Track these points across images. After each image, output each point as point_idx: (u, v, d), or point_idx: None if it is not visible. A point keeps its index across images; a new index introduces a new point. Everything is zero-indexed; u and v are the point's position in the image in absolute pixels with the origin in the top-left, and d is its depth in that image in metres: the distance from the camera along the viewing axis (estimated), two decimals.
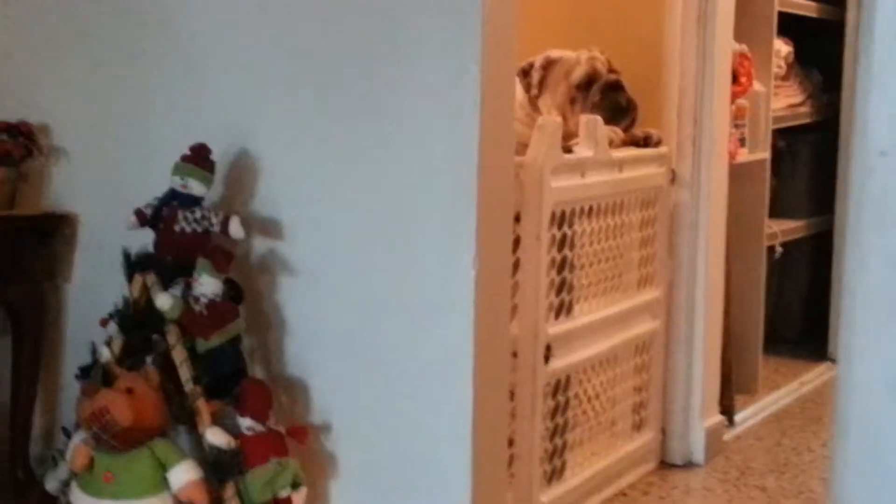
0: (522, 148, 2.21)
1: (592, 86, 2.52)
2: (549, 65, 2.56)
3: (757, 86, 3.17)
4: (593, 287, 2.45)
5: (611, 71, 2.56)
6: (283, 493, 1.89)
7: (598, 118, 2.45)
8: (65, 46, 2.23)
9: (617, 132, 2.52)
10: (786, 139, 3.64)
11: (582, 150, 2.39)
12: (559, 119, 2.37)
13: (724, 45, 2.75)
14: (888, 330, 1.06)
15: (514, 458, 2.19)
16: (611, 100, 2.53)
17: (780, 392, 3.36)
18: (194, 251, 1.91)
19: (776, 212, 3.49)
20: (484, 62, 1.85)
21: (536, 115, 2.51)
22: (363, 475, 2.01)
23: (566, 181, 2.30)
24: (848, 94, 3.59)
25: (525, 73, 2.56)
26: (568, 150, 2.36)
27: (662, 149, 2.66)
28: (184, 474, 1.85)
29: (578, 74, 2.52)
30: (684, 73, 2.68)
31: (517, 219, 2.15)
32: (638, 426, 2.66)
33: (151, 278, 1.90)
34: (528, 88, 2.55)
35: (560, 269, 2.32)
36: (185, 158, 1.93)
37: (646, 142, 2.62)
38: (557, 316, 2.32)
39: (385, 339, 1.97)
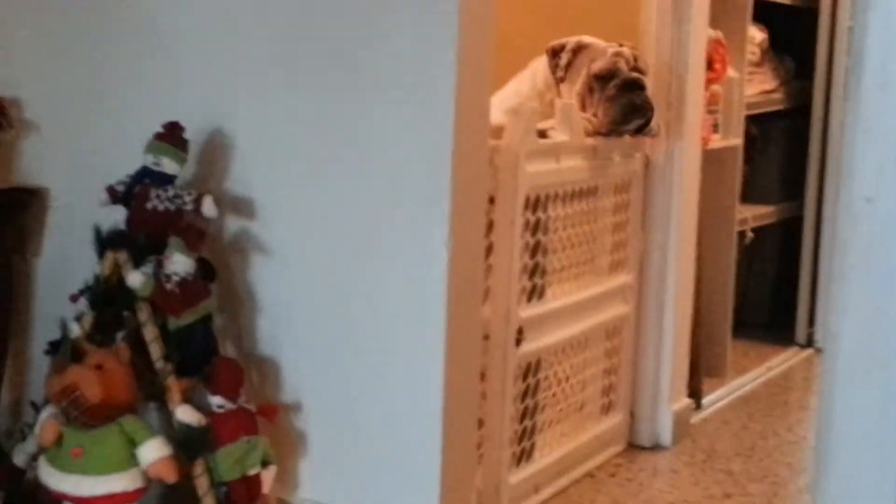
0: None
1: (611, 80, 2.51)
2: (578, 49, 2.54)
3: (731, 72, 3.18)
4: (566, 271, 2.46)
5: (634, 69, 2.54)
6: (253, 471, 1.90)
7: (573, 104, 2.45)
8: (38, 21, 2.20)
9: (591, 120, 2.51)
10: (758, 125, 3.66)
11: (557, 136, 2.40)
12: (537, 105, 2.36)
13: (700, 32, 2.76)
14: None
15: (484, 439, 2.20)
16: (626, 98, 2.50)
17: (747, 376, 3.39)
18: (166, 229, 1.90)
19: (747, 197, 3.52)
20: (460, 46, 1.85)
21: (558, 97, 2.51)
22: (333, 454, 2.02)
23: (541, 166, 2.31)
24: (820, 81, 3.61)
25: (555, 54, 2.55)
26: (543, 134, 2.36)
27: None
28: (153, 451, 1.85)
29: (598, 66, 2.51)
30: (660, 59, 2.68)
31: (491, 202, 2.16)
32: (607, 409, 2.68)
33: (123, 256, 1.89)
34: (554, 69, 2.54)
35: (533, 253, 2.33)
36: (158, 136, 1.92)
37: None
38: (529, 299, 2.33)
39: (357, 319, 1.97)
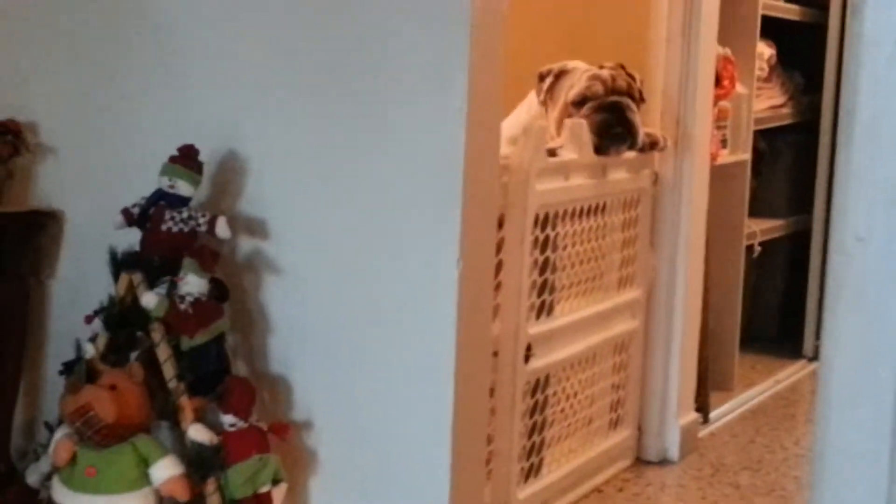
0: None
1: (585, 105, 2.47)
2: (560, 74, 2.52)
3: (739, 88, 3.20)
4: (574, 287, 2.48)
5: (613, 90, 2.49)
6: (264, 489, 1.91)
7: (583, 122, 2.46)
8: (54, 44, 2.22)
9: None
10: (766, 140, 3.68)
11: (566, 154, 2.41)
12: (545, 123, 2.38)
13: (709, 50, 2.77)
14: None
15: (493, 455, 2.22)
16: (603, 121, 2.45)
17: (755, 389, 3.40)
18: (181, 250, 1.92)
19: (755, 211, 3.54)
20: (471, 69, 1.86)
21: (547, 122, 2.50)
22: (343, 471, 2.03)
23: (550, 184, 2.33)
24: (828, 95, 3.62)
25: (542, 78, 2.54)
26: (553, 153, 2.38)
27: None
28: (166, 470, 1.87)
29: (574, 92, 2.48)
30: (669, 77, 2.70)
31: (501, 221, 2.18)
32: (615, 424, 2.69)
33: (138, 277, 1.91)
34: (539, 93, 2.54)
35: (542, 271, 2.35)
36: (173, 159, 1.94)
37: (652, 146, 2.62)
38: (539, 316, 2.35)
39: (368, 338, 1.99)
